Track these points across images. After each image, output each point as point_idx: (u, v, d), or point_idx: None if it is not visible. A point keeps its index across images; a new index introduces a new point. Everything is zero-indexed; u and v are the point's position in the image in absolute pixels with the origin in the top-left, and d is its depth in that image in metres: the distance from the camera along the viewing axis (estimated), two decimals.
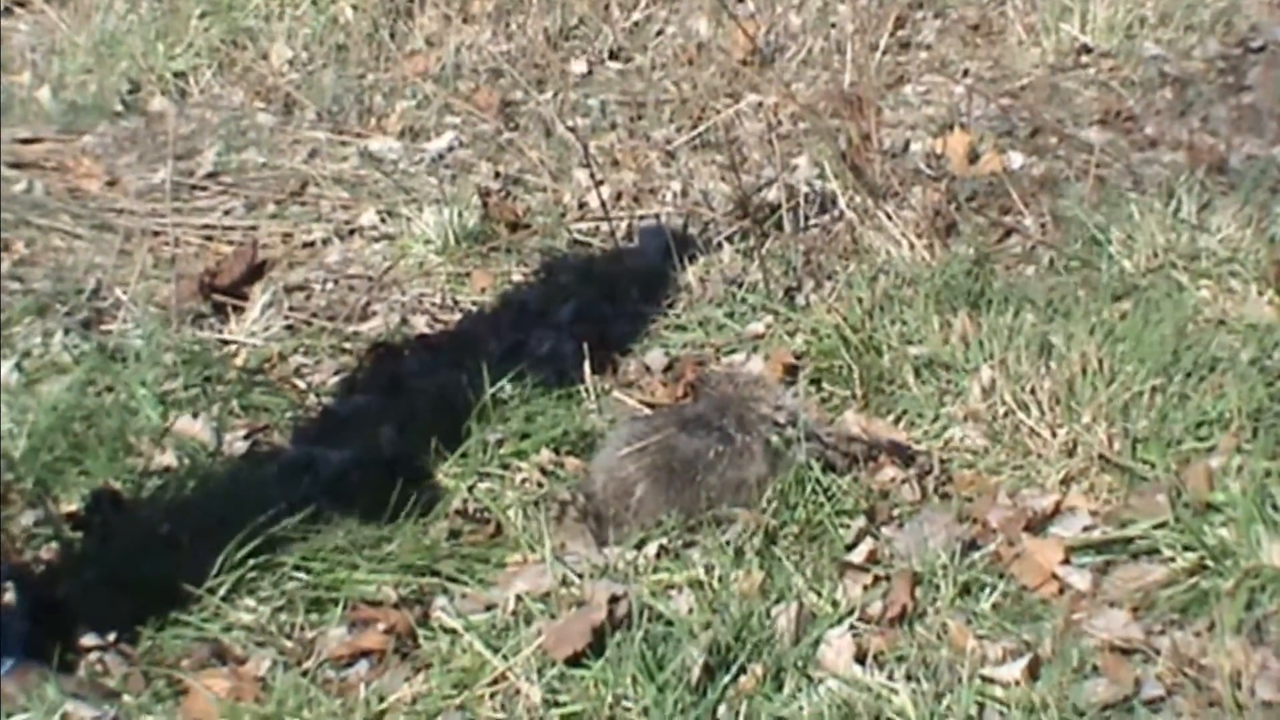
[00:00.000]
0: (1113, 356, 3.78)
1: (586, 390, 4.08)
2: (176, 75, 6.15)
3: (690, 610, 3.22)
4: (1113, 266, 4.39)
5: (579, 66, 6.20)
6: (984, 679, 3.02)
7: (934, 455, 3.73)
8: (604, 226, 4.90)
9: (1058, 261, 4.49)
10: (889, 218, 4.65)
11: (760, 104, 5.65)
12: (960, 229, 4.66)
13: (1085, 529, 3.45)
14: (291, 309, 4.65)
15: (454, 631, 3.23)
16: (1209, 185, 4.70)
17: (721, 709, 3.00)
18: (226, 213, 5.25)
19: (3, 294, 4.63)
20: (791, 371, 4.11)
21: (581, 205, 5.11)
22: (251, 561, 3.38)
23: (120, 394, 4.11)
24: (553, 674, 3.06)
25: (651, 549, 3.46)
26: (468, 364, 4.05)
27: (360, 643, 3.26)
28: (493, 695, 3.07)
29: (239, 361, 4.38)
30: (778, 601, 3.24)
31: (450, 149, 5.61)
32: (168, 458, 3.89)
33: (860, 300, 4.24)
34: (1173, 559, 3.30)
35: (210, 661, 3.24)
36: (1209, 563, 3.25)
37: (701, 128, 5.47)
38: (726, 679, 3.04)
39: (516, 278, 4.75)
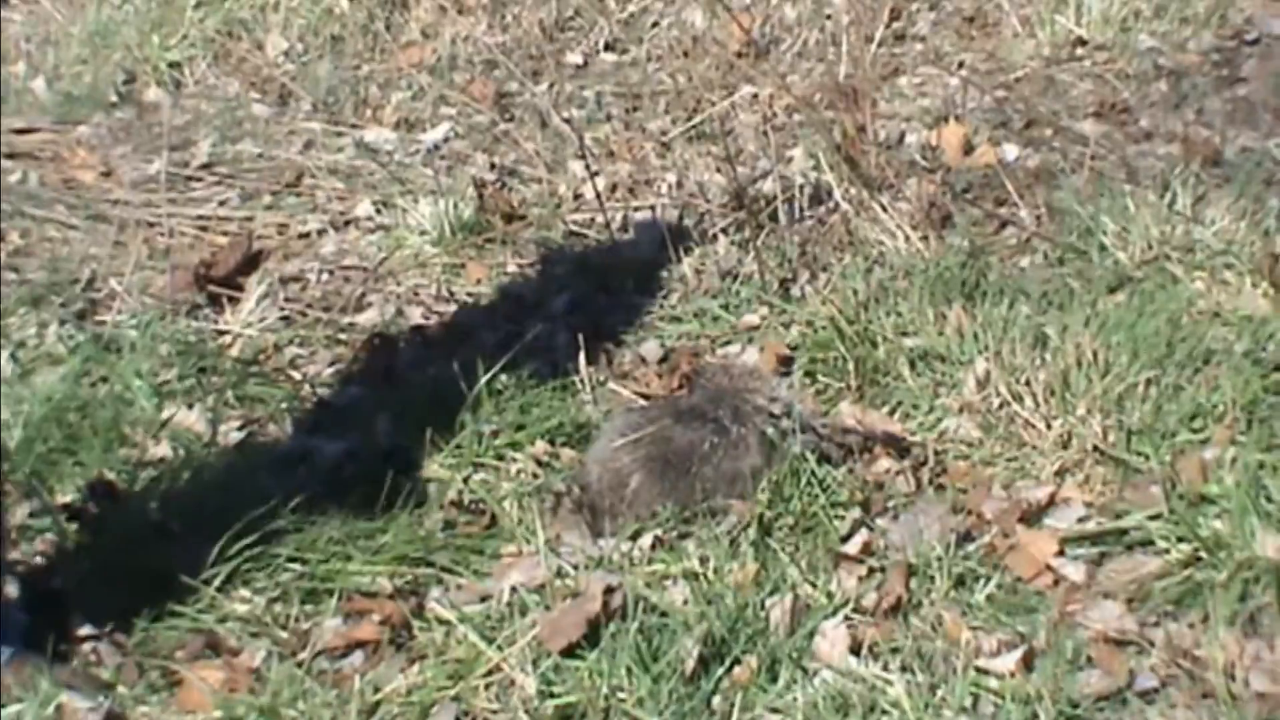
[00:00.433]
0: (1107, 348, 3.78)
1: (582, 381, 4.08)
2: (171, 66, 6.15)
3: (685, 601, 3.22)
4: (1107, 259, 4.39)
5: (574, 58, 6.20)
6: (979, 670, 3.02)
7: (929, 447, 3.73)
8: (599, 218, 4.90)
9: (1052, 254, 4.49)
10: (884, 209, 4.66)
11: (755, 96, 5.65)
12: (955, 221, 4.66)
13: (1080, 521, 3.45)
14: (287, 300, 4.65)
15: (449, 623, 3.23)
16: (1204, 178, 4.70)
17: (716, 700, 3.01)
18: (222, 203, 5.25)
19: None
20: (786, 363, 4.12)
21: (577, 197, 5.11)
22: (246, 553, 3.38)
23: (115, 385, 4.11)
24: (547, 665, 3.07)
25: (646, 540, 3.46)
26: (463, 355, 4.04)
27: (355, 634, 3.26)
28: (487, 686, 3.07)
29: (234, 352, 4.37)
30: (772, 593, 3.25)
31: (445, 140, 5.61)
32: (163, 448, 3.89)
33: (855, 292, 4.25)
34: (1167, 551, 3.31)
35: (205, 653, 3.24)
36: (1203, 555, 3.25)
37: (697, 119, 5.47)
38: (721, 670, 3.05)
39: (512, 269, 4.75)
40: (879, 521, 3.50)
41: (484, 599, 3.32)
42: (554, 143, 5.45)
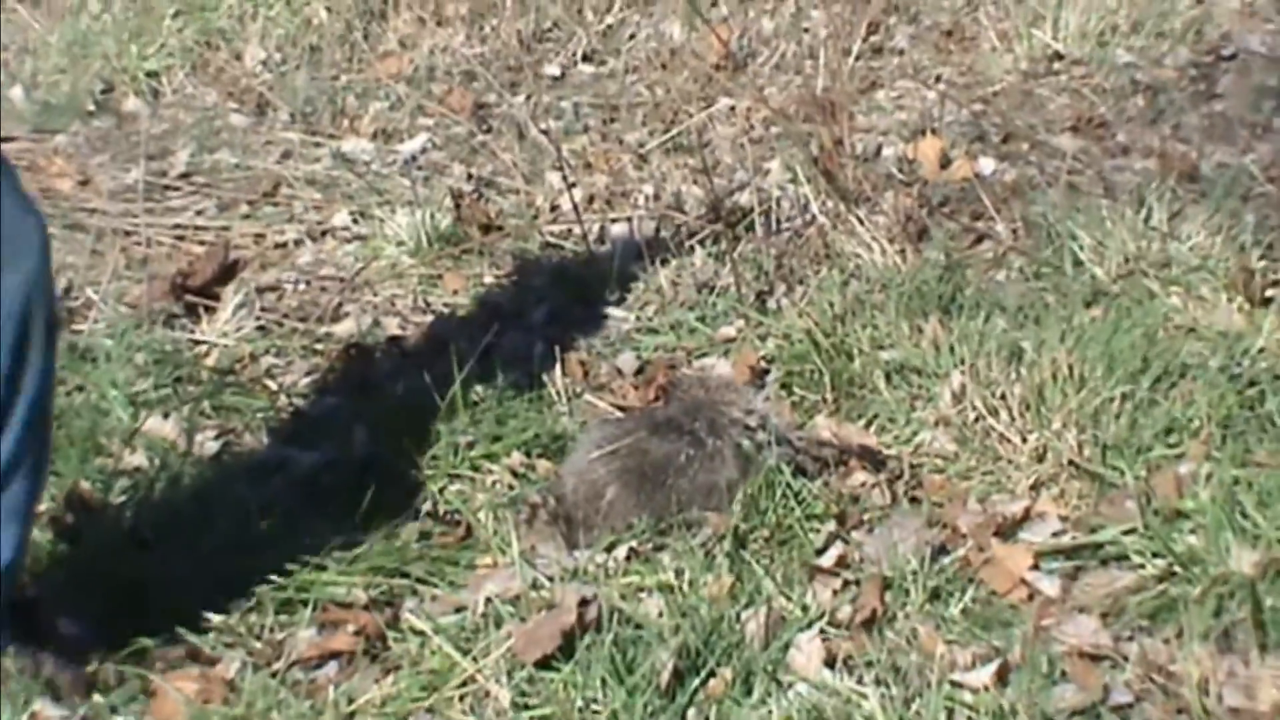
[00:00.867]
0: (1083, 363, 3.79)
1: (558, 393, 4.08)
2: (150, 75, 6.14)
3: (660, 614, 3.22)
4: (1083, 273, 4.40)
5: (552, 69, 6.20)
6: (953, 684, 3.02)
7: (904, 460, 3.74)
8: (576, 229, 4.90)
9: (1029, 268, 4.51)
10: (861, 222, 4.67)
11: (733, 108, 5.66)
12: (932, 234, 4.67)
13: (1055, 535, 3.45)
14: (263, 310, 4.64)
15: (423, 633, 3.22)
16: (1180, 193, 4.72)
17: (691, 713, 3.00)
18: (199, 213, 5.24)
19: None
20: (762, 375, 4.12)
21: (554, 208, 5.11)
22: (221, 562, 3.38)
23: (91, 394, 4.10)
24: (522, 676, 3.06)
25: (621, 552, 3.46)
26: (439, 366, 4.04)
27: (330, 644, 3.25)
28: (462, 698, 3.07)
29: (210, 362, 4.37)
30: (747, 605, 3.25)
31: (423, 151, 5.61)
32: (138, 458, 3.88)
33: (831, 305, 4.25)
34: (1142, 565, 3.31)
35: (179, 662, 3.23)
36: (1178, 569, 3.26)
37: (674, 131, 5.48)
38: (696, 683, 3.04)
39: (489, 280, 4.75)
40: (854, 534, 3.50)
41: (459, 610, 3.32)
42: (531, 154, 5.45)
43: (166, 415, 4.04)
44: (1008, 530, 3.46)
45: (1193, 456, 3.57)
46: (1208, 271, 4.30)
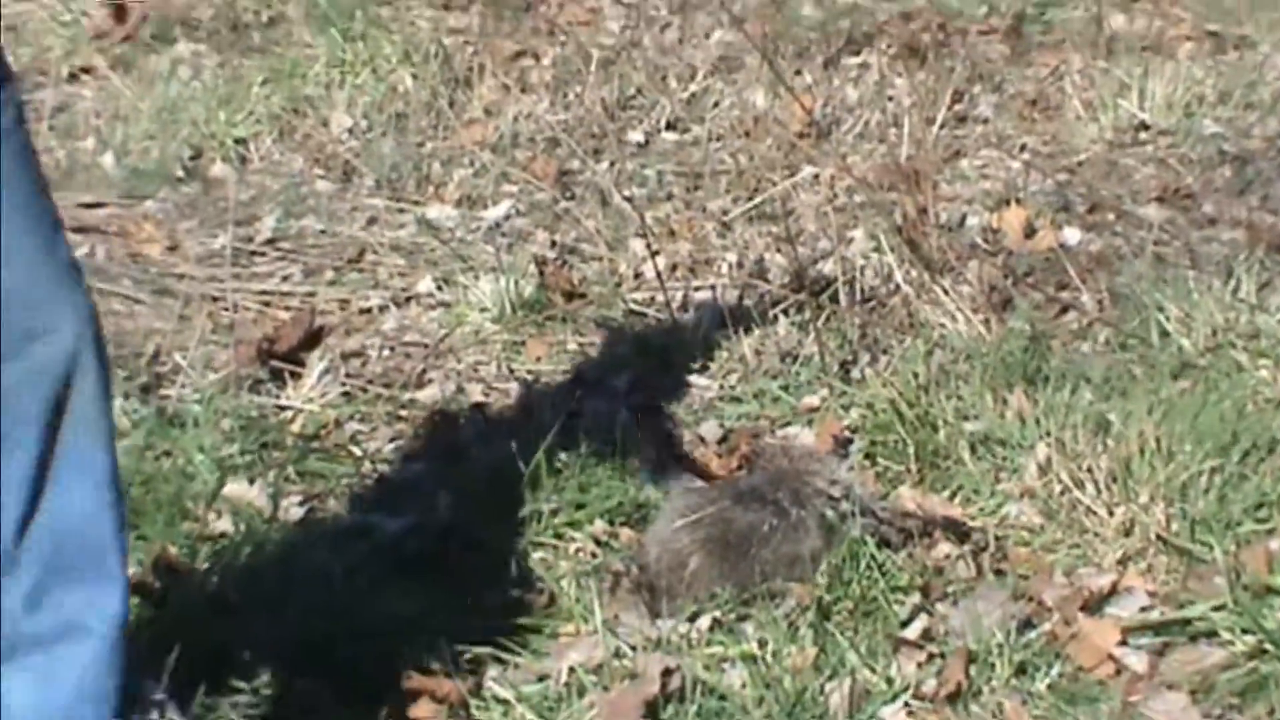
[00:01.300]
0: (1170, 436, 3.76)
1: (641, 461, 4.08)
2: (237, 142, 6.19)
3: (743, 685, 3.22)
4: (1170, 345, 4.37)
5: (636, 136, 6.22)
6: None
7: (989, 532, 3.72)
8: (659, 297, 4.91)
9: (1115, 339, 4.48)
10: (945, 292, 4.65)
11: (816, 176, 5.65)
12: (1016, 304, 4.66)
13: (1143, 609, 3.42)
14: (348, 375, 4.66)
15: (507, 702, 3.23)
16: (1268, 264, 4.69)
17: None
18: (285, 279, 5.28)
19: None
20: (846, 445, 4.11)
21: (637, 275, 5.12)
22: (305, 628, 3.39)
23: (178, 459, 4.13)
24: None
25: (705, 622, 3.45)
26: (523, 433, 4.05)
27: (413, 713, 3.26)
28: None
29: (295, 428, 4.39)
30: (831, 677, 3.23)
31: (507, 217, 5.63)
32: (224, 523, 3.90)
33: (916, 375, 4.24)
34: (1231, 642, 3.28)
35: None
36: (1268, 647, 3.22)
37: (758, 199, 5.48)
38: None
39: (572, 347, 4.76)
40: (939, 607, 3.48)
41: (542, 679, 3.32)
42: (615, 221, 5.46)
43: (252, 480, 4.06)
44: (1094, 605, 3.44)
45: None
46: None
